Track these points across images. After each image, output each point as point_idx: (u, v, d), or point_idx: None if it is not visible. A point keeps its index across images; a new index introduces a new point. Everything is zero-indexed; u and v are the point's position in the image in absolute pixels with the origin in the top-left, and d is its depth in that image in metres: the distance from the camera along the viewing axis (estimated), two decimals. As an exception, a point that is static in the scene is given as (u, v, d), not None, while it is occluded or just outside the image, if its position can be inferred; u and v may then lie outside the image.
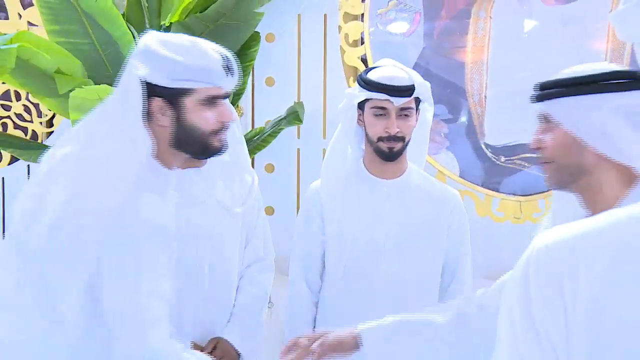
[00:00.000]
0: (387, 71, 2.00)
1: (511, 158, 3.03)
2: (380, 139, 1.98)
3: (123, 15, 2.75)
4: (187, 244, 1.83)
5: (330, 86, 3.06)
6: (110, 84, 2.60)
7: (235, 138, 1.93)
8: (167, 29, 2.77)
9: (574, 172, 1.29)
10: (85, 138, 1.47)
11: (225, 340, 1.95)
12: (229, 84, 1.48)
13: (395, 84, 1.96)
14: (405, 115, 1.98)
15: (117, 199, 1.40)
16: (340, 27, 3.01)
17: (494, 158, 3.05)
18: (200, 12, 2.65)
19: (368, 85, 1.98)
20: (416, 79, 2.01)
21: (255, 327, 2.04)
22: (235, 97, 2.83)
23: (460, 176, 3.04)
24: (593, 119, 1.26)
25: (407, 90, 1.97)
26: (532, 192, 3.02)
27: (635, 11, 0.99)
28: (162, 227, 1.47)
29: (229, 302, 2.00)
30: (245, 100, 2.98)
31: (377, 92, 1.96)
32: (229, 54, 1.49)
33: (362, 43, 3.01)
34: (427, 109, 2.08)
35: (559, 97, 1.34)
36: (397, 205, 2.03)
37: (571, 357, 0.77)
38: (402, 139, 1.98)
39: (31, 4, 3.00)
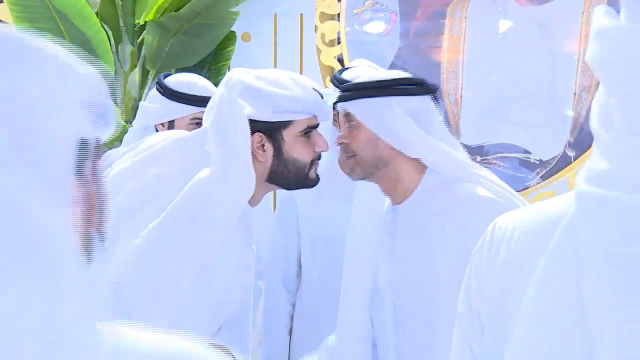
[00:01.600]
0: (362, 72, 2.00)
1: (487, 158, 3.05)
2: None
3: (96, 13, 2.73)
4: None
5: (306, 86, 3.06)
6: (84, 83, 2.58)
7: None
8: (142, 28, 2.76)
9: (374, 164, 1.52)
10: (182, 177, 1.43)
11: None
12: (324, 114, 1.52)
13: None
14: None
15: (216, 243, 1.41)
16: (316, 27, 3.01)
17: (470, 158, 3.06)
18: (175, 11, 2.63)
19: (341, 84, 1.97)
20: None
21: None
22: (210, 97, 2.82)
23: (436, 176, 3.06)
24: (386, 118, 1.49)
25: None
26: (507, 192, 3.05)
27: None
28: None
29: None
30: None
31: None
32: (317, 85, 1.57)
33: (339, 43, 3.01)
34: None
35: (359, 98, 1.54)
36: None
37: (493, 325, 0.82)
38: None
39: (0, 1, 2.95)
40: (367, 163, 1.52)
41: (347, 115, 1.56)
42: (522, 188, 3.03)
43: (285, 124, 1.45)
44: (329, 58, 3.02)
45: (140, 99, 2.83)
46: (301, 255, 2.08)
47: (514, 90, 3.00)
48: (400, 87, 1.54)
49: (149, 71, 2.79)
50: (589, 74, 2.97)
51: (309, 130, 1.48)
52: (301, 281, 2.09)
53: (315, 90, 1.50)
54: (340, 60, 3.01)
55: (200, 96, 1.95)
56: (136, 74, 2.80)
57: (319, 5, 2.99)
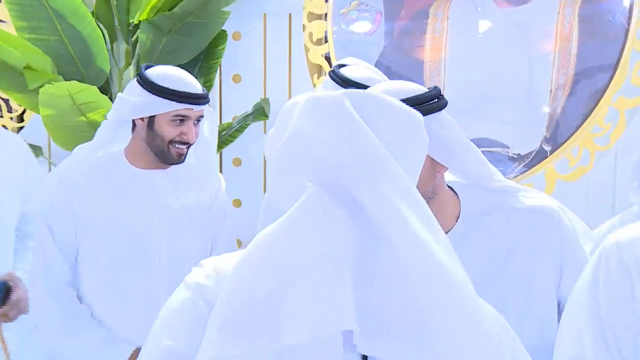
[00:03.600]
0: (362, 72, 2.10)
1: (467, 152, 3.18)
2: None
3: (92, 13, 2.81)
4: (151, 248, 1.91)
5: (295, 83, 3.16)
6: (80, 80, 2.67)
7: (205, 143, 2.02)
8: (136, 27, 2.85)
9: (429, 194, 1.29)
10: None
11: None
12: None
13: (372, 85, 2.05)
14: None
15: None
16: (304, 26, 3.12)
17: (452, 152, 3.19)
18: (168, 11, 2.72)
19: (345, 83, 2.05)
20: (385, 79, 2.11)
21: None
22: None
23: (419, 169, 3.17)
24: (441, 135, 1.28)
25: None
26: (487, 185, 3.17)
27: None
28: None
29: None
30: (212, 97, 3.06)
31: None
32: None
33: (326, 41, 3.13)
34: None
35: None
36: None
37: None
38: None
39: (-1, 1, 3.04)
40: (425, 195, 1.16)
41: None
42: (501, 181, 3.16)
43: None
44: (317, 56, 3.13)
45: (134, 96, 2.92)
46: None
47: (493, 87, 3.12)
48: (434, 102, 1.36)
49: (142, 69, 2.88)
50: (564, 71, 3.10)
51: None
52: None
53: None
54: (328, 59, 3.13)
55: (186, 92, 1.88)
56: (131, 72, 2.89)
57: (307, 5, 3.10)
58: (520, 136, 3.14)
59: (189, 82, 1.91)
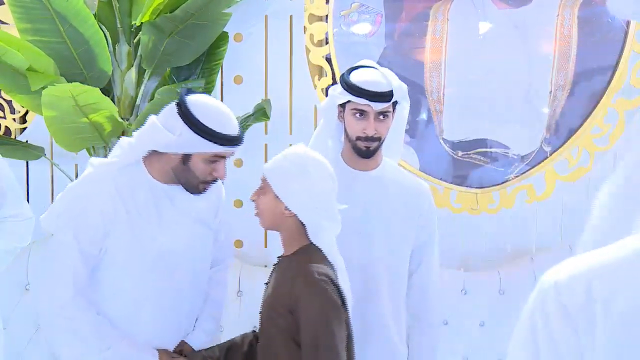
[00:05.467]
0: (368, 75, 2.13)
1: (468, 152, 3.20)
2: (358, 138, 2.13)
3: (94, 15, 2.83)
4: (174, 260, 1.92)
5: (296, 84, 3.18)
6: (83, 82, 2.68)
7: None
8: (138, 29, 2.86)
9: None
10: None
11: (189, 344, 2.02)
12: None
13: (376, 90, 2.09)
14: (383, 117, 2.12)
15: None
16: (305, 28, 3.13)
17: (452, 153, 3.21)
18: (170, 13, 2.74)
19: (350, 88, 2.11)
20: (394, 83, 2.14)
21: (215, 329, 2.13)
22: (197, 89, 2.92)
23: (420, 170, 3.19)
24: None
25: (386, 96, 2.10)
26: (487, 185, 3.19)
27: None
28: None
29: (199, 310, 2.07)
30: (214, 98, 3.08)
31: (358, 96, 2.09)
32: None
33: (327, 43, 3.14)
34: (404, 107, 2.23)
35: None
36: (373, 194, 2.16)
37: None
38: (379, 138, 2.13)
39: (2, 3, 3.06)
40: None
41: None
42: (502, 181, 3.18)
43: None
44: (318, 57, 3.15)
45: (137, 97, 2.94)
46: None
47: (494, 88, 3.15)
48: None
49: (145, 70, 2.90)
50: (563, 73, 3.12)
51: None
52: None
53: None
54: (329, 60, 3.15)
55: (230, 135, 1.83)
56: (133, 73, 2.90)
57: (308, 7, 3.12)
58: (520, 137, 3.16)
59: (232, 124, 1.87)
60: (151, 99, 2.91)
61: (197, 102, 1.85)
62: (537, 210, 3.15)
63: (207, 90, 2.97)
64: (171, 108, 1.87)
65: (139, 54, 2.87)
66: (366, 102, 2.09)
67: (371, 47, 3.16)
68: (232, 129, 1.86)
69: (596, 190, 3.37)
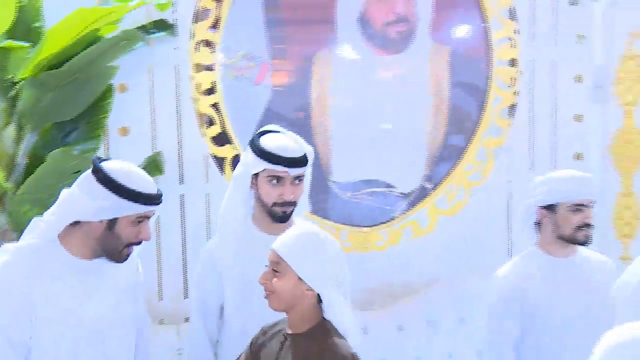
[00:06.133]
0: (281, 141, 2.15)
1: (356, 193, 3.32)
2: (275, 204, 2.14)
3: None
4: (99, 330, 1.87)
5: (185, 134, 3.12)
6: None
7: None
8: (14, 83, 2.67)
9: None
10: None
11: None
12: None
13: (292, 156, 2.12)
14: (299, 181, 2.15)
15: None
16: (191, 77, 3.10)
17: (341, 194, 3.32)
18: (54, 68, 2.59)
19: (264, 155, 2.11)
20: (305, 147, 2.19)
21: None
22: (89, 150, 2.79)
23: (311, 213, 3.26)
24: None
25: (302, 161, 2.14)
26: (375, 223, 3.34)
27: None
28: None
29: None
30: (100, 152, 2.95)
31: (275, 163, 2.10)
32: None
33: (214, 92, 3.13)
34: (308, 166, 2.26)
35: None
36: None
37: None
38: (295, 202, 2.16)
39: None
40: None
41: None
42: (389, 219, 3.35)
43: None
44: (205, 106, 3.13)
45: (16, 156, 2.74)
46: (224, 306, 2.24)
47: (377, 130, 3.31)
48: None
49: (24, 127, 2.71)
50: (440, 114, 3.35)
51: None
52: (222, 332, 2.22)
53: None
54: (216, 107, 3.13)
55: (154, 194, 1.86)
56: (11, 130, 2.70)
57: (193, 56, 3.09)
58: (404, 176, 3.34)
59: (152, 183, 1.89)
60: (32, 156, 2.73)
61: (114, 167, 1.86)
62: (421, 245, 3.33)
63: (93, 143, 2.83)
64: (87, 177, 1.85)
65: (17, 109, 2.68)
66: (284, 168, 2.11)
67: (259, 93, 3.19)
68: (153, 188, 1.88)
69: (474, 222, 3.63)
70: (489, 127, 3.38)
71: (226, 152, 3.14)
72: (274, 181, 2.13)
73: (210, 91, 3.13)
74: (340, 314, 1.79)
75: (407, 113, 3.33)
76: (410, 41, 3.29)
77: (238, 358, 1.93)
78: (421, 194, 3.36)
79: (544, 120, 3.39)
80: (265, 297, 1.79)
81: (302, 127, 3.19)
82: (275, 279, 1.76)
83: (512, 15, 3.32)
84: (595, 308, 2.27)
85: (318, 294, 1.76)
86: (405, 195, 3.36)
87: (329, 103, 3.27)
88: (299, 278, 1.74)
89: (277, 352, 1.82)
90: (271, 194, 2.13)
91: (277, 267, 1.77)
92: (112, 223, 1.83)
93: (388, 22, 3.26)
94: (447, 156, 3.38)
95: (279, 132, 2.22)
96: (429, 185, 3.37)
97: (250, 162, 2.16)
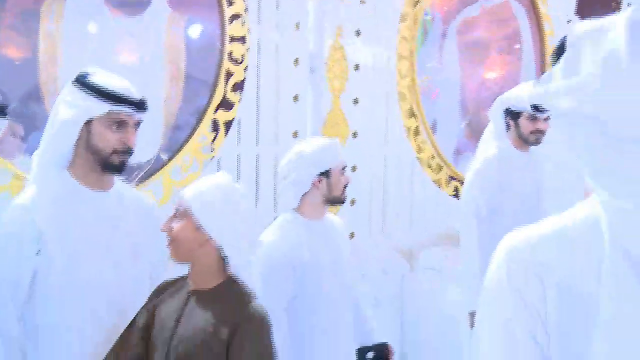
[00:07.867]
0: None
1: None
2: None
3: None
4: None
5: None
6: None
7: None
8: None
9: None
10: None
11: None
12: None
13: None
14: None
15: None
16: None
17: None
18: None
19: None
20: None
21: None
22: None
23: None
24: None
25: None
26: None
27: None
28: None
29: None
30: None
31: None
32: None
33: None
34: None
35: None
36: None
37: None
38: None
39: None
40: None
41: None
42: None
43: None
44: None
45: None
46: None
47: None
48: None
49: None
50: (175, 83, 3.29)
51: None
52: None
53: None
54: None
55: (125, 96, 1.94)
56: None
57: None
58: (141, 145, 3.17)
59: (128, 88, 1.95)
60: None
61: (92, 71, 1.92)
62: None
63: None
64: (68, 85, 1.92)
65: None
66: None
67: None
68: (125, 90, 1.91)
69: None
70: (220, 101, 3.44)
71: None
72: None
73: None
74: (248, 275, 1.76)
75: (142, 80, 3.18)
76: (147, 5, 3.18)
77: (133, 319, 1.78)
78: (156, 165, 3.24)
79: (269, 98, 3.60)
80: (167, 246, 1.76)
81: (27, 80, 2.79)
82: (175, 225, 1.73)
83: (241, -6, 3.46)
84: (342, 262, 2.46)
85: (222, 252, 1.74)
86: (140, 165, 3.19)
87: (59, 58, 2.93)
88: (199, 227, 1.70)
89: (181, 309, 1.73)
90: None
91: (180, 213, 1.74)
92: (88, 129, 1.88)
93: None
94: (183, 126, 3.33)
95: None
96: (164, 156, 3.27)
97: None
